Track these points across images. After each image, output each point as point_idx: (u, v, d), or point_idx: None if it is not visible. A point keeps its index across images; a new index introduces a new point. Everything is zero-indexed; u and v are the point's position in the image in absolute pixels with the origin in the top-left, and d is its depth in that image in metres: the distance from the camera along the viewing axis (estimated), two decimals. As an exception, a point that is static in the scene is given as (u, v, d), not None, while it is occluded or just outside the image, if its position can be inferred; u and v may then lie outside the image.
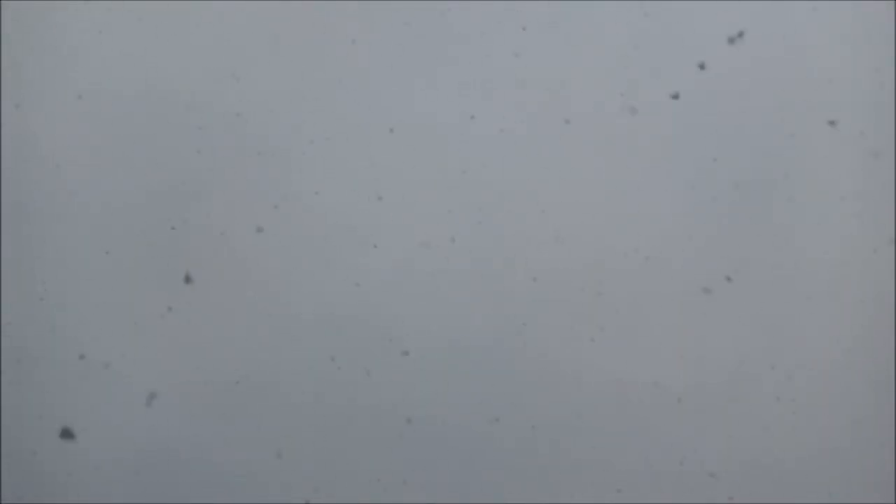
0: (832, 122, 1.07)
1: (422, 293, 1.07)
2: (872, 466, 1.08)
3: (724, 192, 1.07)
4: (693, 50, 1.06)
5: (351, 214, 1.07)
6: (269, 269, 1.07)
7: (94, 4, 1.05)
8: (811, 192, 1.07)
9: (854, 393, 1.08)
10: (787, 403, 1.08)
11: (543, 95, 1.06)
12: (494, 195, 1.06)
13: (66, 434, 1.03)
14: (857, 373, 1.07)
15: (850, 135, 1.07)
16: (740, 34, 1.05)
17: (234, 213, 1.07)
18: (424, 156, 1.07)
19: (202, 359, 1.07)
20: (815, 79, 1.06)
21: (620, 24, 1.06)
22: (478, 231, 1.07)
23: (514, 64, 1.06)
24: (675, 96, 1.06)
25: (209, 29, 1.06)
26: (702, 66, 1.05)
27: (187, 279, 1.07)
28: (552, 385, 1.07)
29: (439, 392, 1.07)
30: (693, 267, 1.07)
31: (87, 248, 1.06)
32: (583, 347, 1.07)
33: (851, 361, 1.07)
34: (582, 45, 1.06)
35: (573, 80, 1.06)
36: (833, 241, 1.07)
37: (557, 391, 1.07)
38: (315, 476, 1.08)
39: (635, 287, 1.07)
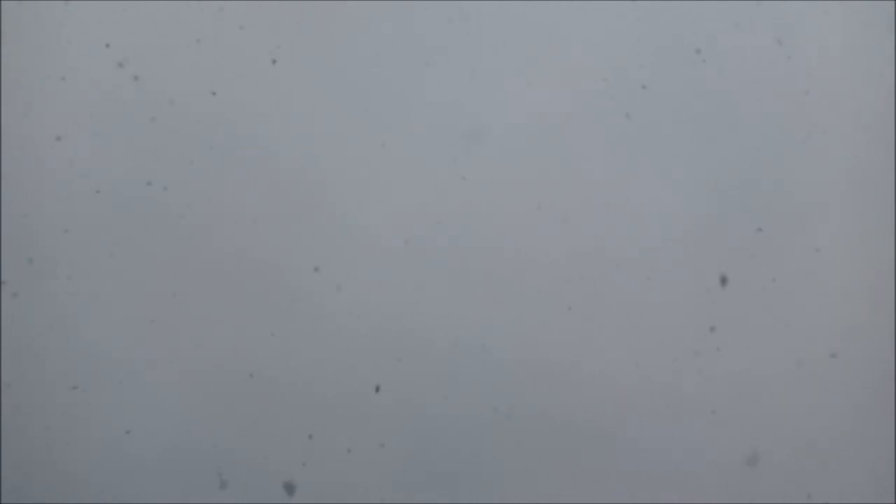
0: (831, 123, 1.07)
1: (427, 294, 1.07)
2: (872, 466, 1.08)
3: (730, 195, 1.07)
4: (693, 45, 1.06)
5: (360, 214, 1.07)
6: (277, 267, 1.07)
7: (101, 4, 1.05)
8: (810, 195, 1.07)
9: (854, 393, 1.08)
10: (787, 403, 1.08)
11: (551, 93, 1.07)
12: (506, 193, 1.07)
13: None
14: (857, 373, 1.08)
15: (850, 136, 1.07)
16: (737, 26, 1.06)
17: (242, 217, 1.07)
18: (443, 153, 1.07)
19: (201, 354, 1.08)
20: (813, 80, 1.07)
21: (621, 20, 1.06)
22: (480, 219, 1.07)
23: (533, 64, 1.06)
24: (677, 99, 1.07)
25: (217, 29, 1.06)
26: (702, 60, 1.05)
27: (194, 277, 1.07)
28: (555, 384, 1.07)
29: (444, 391, 1.08)
30: (695, 268, 1.07)
31: (89, 248, 1.06)
32: (589, 345, 1.08)
33: (851, 361, 1.08)
34: (587, 45, 1.07)
35: (578, 80, 1.07)
36: (834, 243, 1.07)
37: (560, 390, 1.07)
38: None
39: (640, 287, 1.07)
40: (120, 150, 1.06)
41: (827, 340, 1.08)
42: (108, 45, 1.05)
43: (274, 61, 1.06)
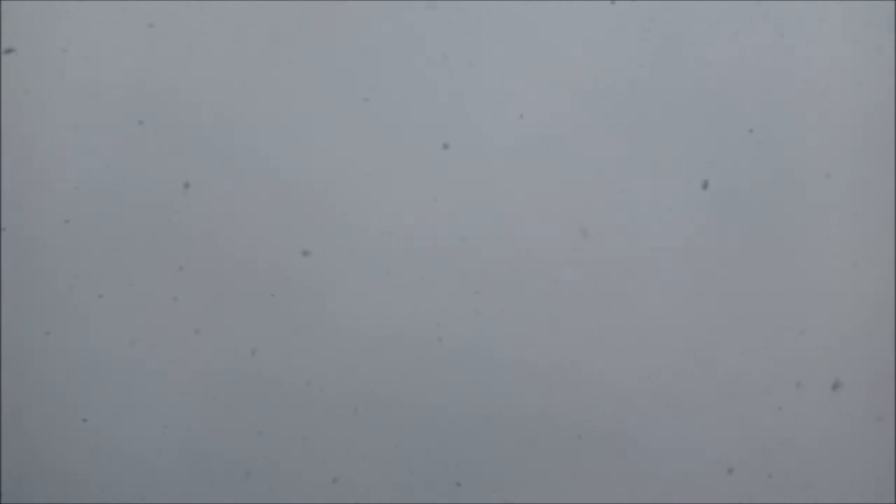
0: (831, 124, 1.07)
1: (420, 292, 1.07)
2: (872, 466, 1.08)
3: (730, 196, 1.07)
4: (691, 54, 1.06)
5: (360, 214, 1.07)
6: (268, 267, 1.07)
7: (101, 4, 1.05)
8: (810, 195, 1.07)
9: (854, 393, 1.08)
10: (787, 403, 1.08)
11: (551, 94, 1.07)
12: (505, 194, 1.07)
13: None
14: (857, 371, 1.07)
15: (850, 137, 1.07)
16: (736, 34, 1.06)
17: (233, 212, 1.07)
18: (444, 152, 1.07)
19: (202, 354, 1.08)
20: (813, 80, 1.07)
21: (620, 20, 1.06)
22: (482, 226, 1.07)
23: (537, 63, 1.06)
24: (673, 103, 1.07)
25: (216, 29, 1.06)
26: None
27: (185, 277, 1.07)
28: (555, 384, 1.07)
29: (444, 391, 1.08)
30: (695, 269, 1.07)
31: (86, 247, 1.06)
32: (589, 347, 1.07)
33: (851, 361, 1.07)
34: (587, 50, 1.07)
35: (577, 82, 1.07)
36: (834, 243, 1.07)
37: (560, 390, 1.07)
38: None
39: (640, 287, 1.07)
40: (120, 150, 1.06)
41: (827, 340, 1.08)
42: (107, 46, 1.05)
43: (275, 62, 1.06)
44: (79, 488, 1.07)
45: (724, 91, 1.07)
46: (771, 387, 1.08)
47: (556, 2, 1.06)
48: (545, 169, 1.07)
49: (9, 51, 1.04)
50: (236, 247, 1.07)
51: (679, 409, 1.08)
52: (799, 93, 1.07)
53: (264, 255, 1.07)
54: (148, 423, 1.07)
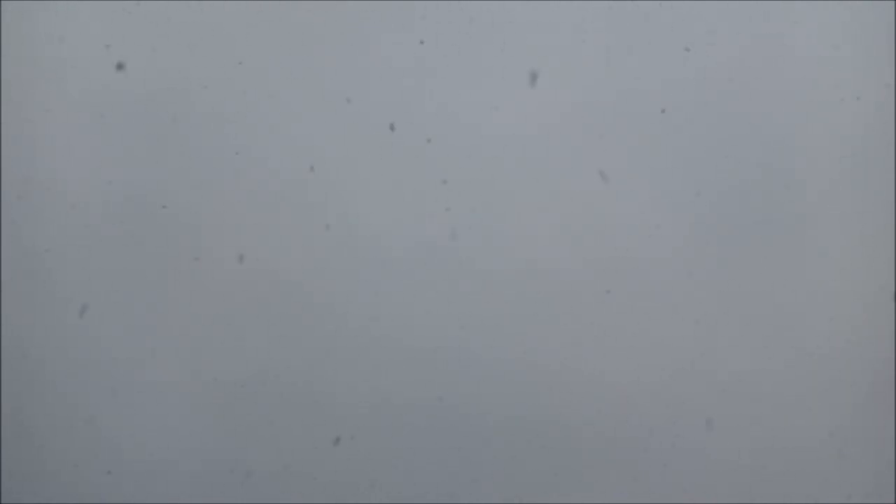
0: (830, 124, 1.07)
1: (420, 293, 1.07)
2: (872, 466, 1.08)
3: (730, 197, 1.07)
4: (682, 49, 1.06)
5: (359, 216, 1.07)
6: (270, 268, 1.07)
7: (102, 4, 1.05)
8: (810, 195, 1.07)
9: (854, 392, 1.08)
10: (787, 403, 1.08)
11: (549, 98, 1.07)
12: (506, 197, 1.07)
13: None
14: (857, 372, 1.08)
15: (850, 137, 1.07)
16: (732, 31, 1.06)
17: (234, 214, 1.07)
18: (418, 148, 1.07)
19: (203, 355, 1.08)
20: (812, 80, 1.07)
21: (616, 23, 1.06)
22: (481, 228, 1.07)
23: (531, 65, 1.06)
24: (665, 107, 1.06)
25: (215, 28, 1.06)
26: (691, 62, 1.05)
27: (185, 278, 1.07)
28: (555, 387, 1.07)
29: (444, 393, 1.08)
30: (694, 270, 1.07)
31: (90, 248, 1.06)
32: (589, 347, 1.07)
33: (851, 361, 1.07)
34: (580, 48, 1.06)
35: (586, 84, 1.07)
36: (834, 243, 1.07)
37: (561, 392, 1.07)
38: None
39: (639, 288, 1.07)
40: (120, 152, 1.06)
41: (827, 341, 1.08)
42: (108, 46, 1.05)
43: (277, 62, 1.06)
44: (79, 489, 1.07)
45: (723, 91, 1.07)
46: (770, 387, 1.08)
47: (555, 2, 1.06)
48: (544, 169, 1.07)
49: (9, 51, 1.04)
50: (239, 248, 1.07)
51: (678, 410, 1.08)
52: (798, 93, 1.07)
53: (269, 258, 1.07)
54: (150, 423, 1.07)
